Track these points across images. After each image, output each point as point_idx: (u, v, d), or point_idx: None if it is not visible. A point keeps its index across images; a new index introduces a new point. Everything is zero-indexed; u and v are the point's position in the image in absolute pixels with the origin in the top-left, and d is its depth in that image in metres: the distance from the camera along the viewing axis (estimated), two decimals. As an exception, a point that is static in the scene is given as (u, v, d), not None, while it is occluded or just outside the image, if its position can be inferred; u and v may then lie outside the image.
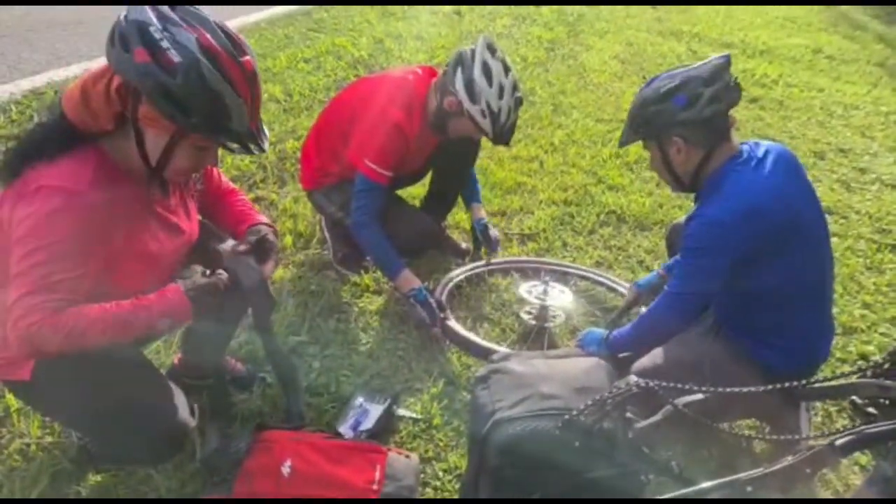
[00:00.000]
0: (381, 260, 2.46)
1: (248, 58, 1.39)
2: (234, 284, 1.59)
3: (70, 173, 1.36)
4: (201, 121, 1.35)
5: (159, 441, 1.59)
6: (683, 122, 1.77)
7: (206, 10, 1.40)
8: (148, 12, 1.31)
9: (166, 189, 1.58)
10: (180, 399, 1.69)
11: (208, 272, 1.61)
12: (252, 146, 1.44)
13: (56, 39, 4.61)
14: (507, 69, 2.29)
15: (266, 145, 1.46)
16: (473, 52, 2.28)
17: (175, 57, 1.30)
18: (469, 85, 2.26)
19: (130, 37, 1.30)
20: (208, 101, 1.33)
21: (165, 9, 1.33)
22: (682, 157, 1.82)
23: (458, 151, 2.63)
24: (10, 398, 1.88)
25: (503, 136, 2.35)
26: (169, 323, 1.50)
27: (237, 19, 5.65)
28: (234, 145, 1.42)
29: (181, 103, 1.32)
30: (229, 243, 1.68)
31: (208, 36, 1.33)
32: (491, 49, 2.30)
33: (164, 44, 1.29)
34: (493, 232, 2.80)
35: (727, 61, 1.80)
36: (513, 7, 7.32)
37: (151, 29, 1.29)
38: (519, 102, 2.33)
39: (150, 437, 1.56)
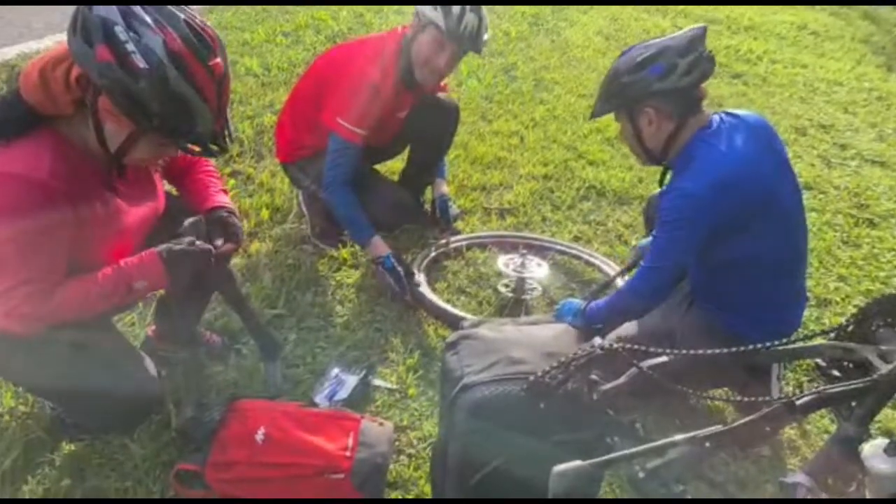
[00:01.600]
0: (351, 224, 2.45)
1: (217, 60, 1.35)
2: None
3: (28, 159, 1.35)
4: (163, 123, 1.33)
5: (127, 407, 1.60)
6: (657, 92, 1.76)
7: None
8: (114, 8, 1.26)
9: (124, 170, 1.55)
10: (148, 365, 1.70)
11: (189, 240, 1.59)
12: (214, 147, 1.42)
13: (29, 12, 4.52)
14: None
15: (229, 144, 1.45)
16: None
17: (140, 62, 1.26)
18: None
19: (94, 31, 1.26)
20: (171, 106, 1.31)
21: (136, 8, 1.28)
22: (653, 128, 1.81)
23: (434, 121, 2.61)
24: (-18, 370, 1.87)
25: (461, 31, 2.26)
26: (145, 285, 1.54)
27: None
28: (196, 147, 1.40)
29: (143, 106, 1.30)
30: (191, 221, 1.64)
31: (176, 38, 1.29)
32: None
33: (130, 46, 1.26)
34: (453, 210, 2.79)
35: (703, 32, 1.79)
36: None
37: (117, 29, 1.25)
38: (476, 5, 2.27)
39: (118, 403, 1.56)
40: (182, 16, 1.32)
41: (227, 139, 1.44)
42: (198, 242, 1.54)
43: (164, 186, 1.79)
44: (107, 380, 1.54)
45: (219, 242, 1.63)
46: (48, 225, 1.37)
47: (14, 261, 1.38)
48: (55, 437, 1.76)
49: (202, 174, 1.83)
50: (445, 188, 2.82)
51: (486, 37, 2.35)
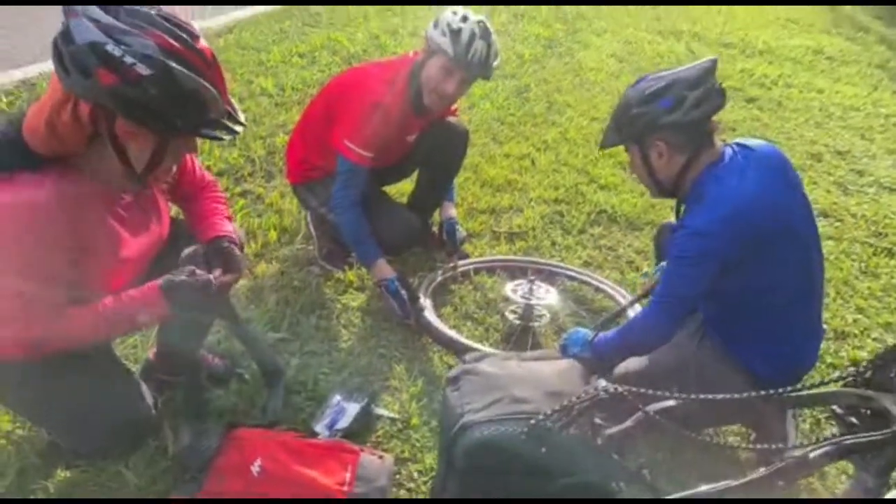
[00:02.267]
0: (357, 245, 2.43)
1: (203, 44, 1.34)
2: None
3: (30, 187, 1.32)
4: (185, 122, 1.33)
5: (121, 433, 1.57)
6: (667, 125, 1.73)
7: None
8: (93, 29, 1.23)
9: (146, 187, 1.55)
10: (143, 392, 1.67)
11: (190, 270, 1.55)
12: (232, 125, 1.40)
13: (51, 30, 4.56)
14: (477, 18, 2.29)
15: (242, 117, 1.43)
16: None
17: (143, 70, 1.24)
18: (435, 20, 2.28)
19: (87, 60, 1.22)
20: (186, 101, 1.30)
21: (110, 20, 1.24)
22: (664, 161, 1.78)
23: (444, 145, 2.59)
24: (-19, 392, 1.85)
25: (469, 58, 2.25)
26: (147, 317, 1.52)
27: (236, 11, 5.60)
28: (221, 133, 1.39)
29: (162, 112, 1.29)
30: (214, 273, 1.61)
31: (164, 36, 1.27)
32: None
33: (127, 59, 1.23)
34: (461, 233, 2.77)
35: (713, 65, 1.76)
36: (511, 5, 7.27)
37: (108, 48, 1.22)
38: (486, 31, 2.27)
39: (112, 429, 1.53)
40: (153, 12, 1.30)
41: (238, 113, 1.43)
42: (198, 272, 1.51)
43: (171, 211, 1.78)
44: (101, 406, 1.51)
45: (217, 273, 1.59)
46: (49, 248, 1.36)
47: (15, 284, 1.36)
48: (50, 463, 1.72)
49: (209, 199, 1.82)
50: (453, 211, 2.80)
51: (495, 63, 2.33)
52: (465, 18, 2.25)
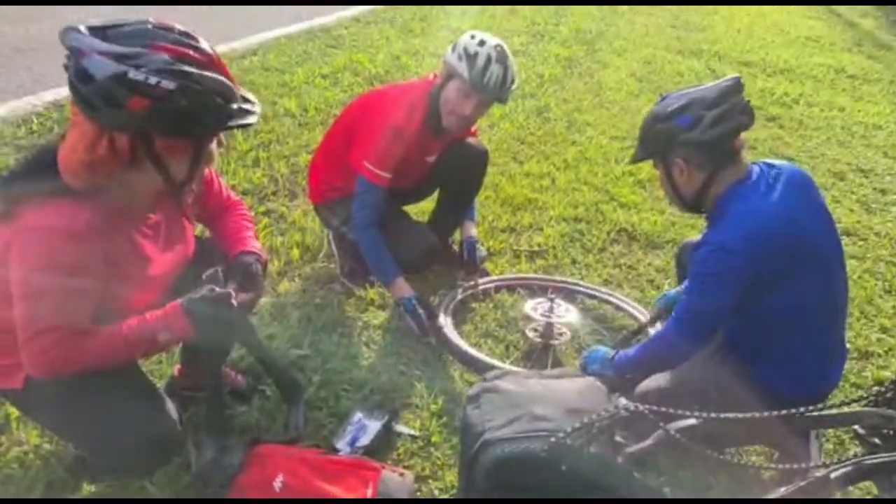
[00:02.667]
0: (376, 264, 2.46)
1: (200, 41, 1.39)
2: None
3: (66, 212, 1.37)
4: (216, 120, 1.38)
5: (147, 450, 1.59)
6: (685, 142, 1.75)
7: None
8: (108, 62, 1.26)
9: (153, 209, 1.59)
10: (168, 407, 1.70)
11: (210, 287, 1.58)
12: (250, 108, 1.44)
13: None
14: (492, 38, 2.33)
15: (252, 97, 1.47)
16: None
17: (169, 84, 1.28)
18: (454, 44, 2.32)
19: (115, 92, 1.26)
20: (211, 100, 1.35)
21: (115, 48, 1.28)
22: (685, 178, 1.80)
23: (464, 165, 2.63)
24: (9, 406, 1.89)
25: (484, 82, 2.28)
26: (169, 336, 1.54)
27: (260, 34, 5.71)
28: (245, 119, 1.43)
29: (195, 118, 1.34)
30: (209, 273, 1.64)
31: (169, 45, 1.33)
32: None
33: (151, 79, 1.27)
34: (481, 252, 2.79)
35: (736, 84, 1.77)
36: (531, 25, 7.34)
37: (130, 74, 1.26)
38: (502, 55, 2.30)
39: (138, 445, 1.55)
40: (149, 26, 1.34)
41: (249, 96, 1.46)
42: (217, 289, 1.54)
43: (195, 230, 1.82)
44: (126, 423, 1.53)
45: (232, 289, 1.62)
46: (81, 275, 1.40)
47: (45, 309, 1.41)
48: (76, 478, 1.75)
49: (236, 217, 1.86)
50: (474, 230, 2.82)
51: (513, 87, 2.37)
52: (482, 42, 2.29)
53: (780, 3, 9.68)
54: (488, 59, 2.27)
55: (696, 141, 1.73)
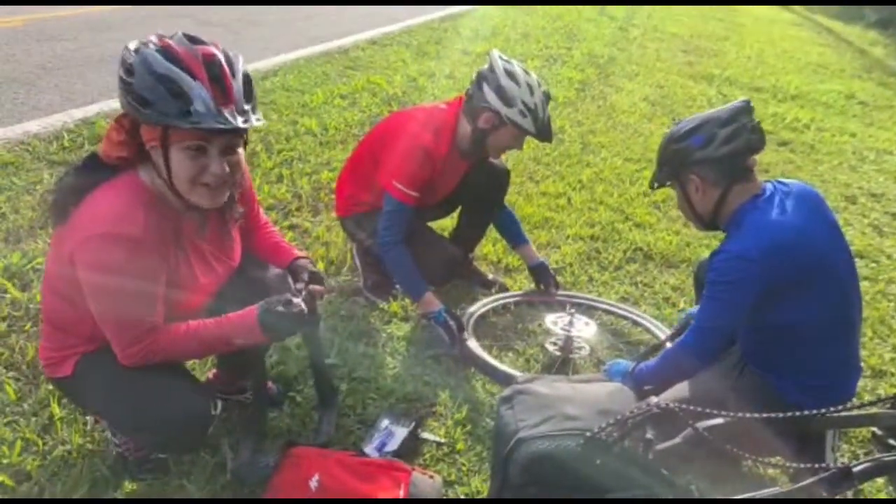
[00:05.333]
0: (404, 280, 2.54)
1: (205, 47, 1.46)
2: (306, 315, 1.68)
3: (123, 216, 1.47)
4: (161, 108, 1.39)
5: (183, 426, 1.64)
6: (699, 160, 1.84)
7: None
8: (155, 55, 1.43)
9: (204, 218, 1.66)
10: (202, 388, 1.81)
11: (286, 299, 1.66)
12: (230, 122, 1.41)
13: (107, 73, 4.85)
14: (527, 71, 2.43)
15: (240, 121, 1.43)
16: (491, 66, 2.41)
17: (130, 58, 1.42)
18: (500, 92, 2.37)
19: (119, 72, 1.44)
20: (160, 86, 1.39)
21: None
22: (700, 195, 1.88)
23: (486, 183, 2.71)
24: (55, 406, 1.97)
25: (545, 131, 2.44)
26: (243, 340, 1.65)
27: (280, 56, 5.87)
28: (209, 124, 1.40)
29: (140, 96, 1.39)
30: (299, 287, 1.77)
31: (167, 40, 1.44)
32: (503, 58, 2.43)
33: (128, 59, 1.42)
34: (553, 271, 2.89)
35: (746, 105, 1.86)
36: (544, 49, 7.49)
37: (123, 54, 1.43)
38: (548, 97, 2.45)
39: (174, 422, 1.61)
40: (183, 34, 1.47)
41: (237, 117, 1.43)
42: (294, 300, 1.63)
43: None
44: (164, 400, 1.59)
45: (301, 286, 1.75)
46: (145, 274, 1.51)
47: (120, 313, 1.53)
48: (118, 476, 1.82)
49: (272, 234, 1.98)
50: (534, 252, 2.92)
51: None
52: (531, 90, 2.37)
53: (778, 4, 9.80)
54: (544, 107, 2.41)
55: (709, 158, 1.82)
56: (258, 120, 1.49)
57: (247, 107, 1.46)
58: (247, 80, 1.49)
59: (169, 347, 1.58)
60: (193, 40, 1.47)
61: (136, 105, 1.40)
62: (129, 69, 1.41)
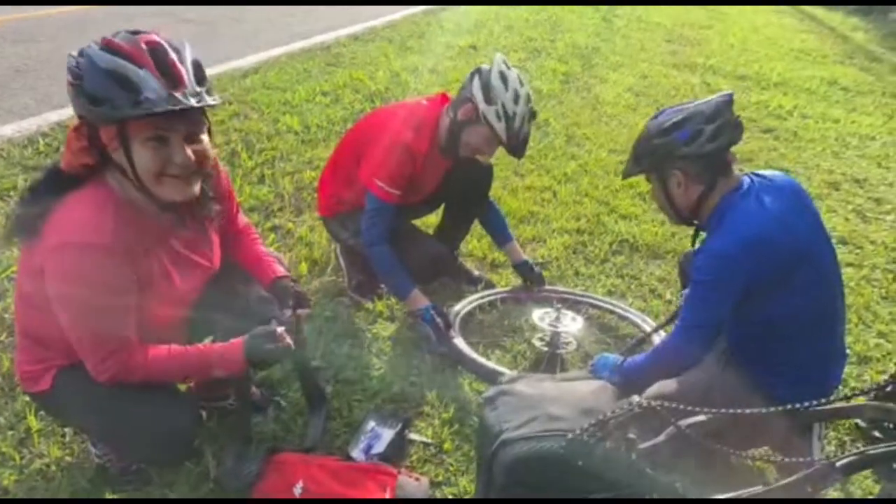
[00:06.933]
0: (390, 278, 2.51)
1: (147, 35, 1.43)
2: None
3: (90, 226, 1.44)
4: (113, 103, 1.36)
5: (163, 440, 1.63)
6: (684, 156, 1.81)
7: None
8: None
9: (181, 219, 1.63)
10: (185, 401, 1.78)
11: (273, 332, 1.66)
12: (181, 102, 1.39)
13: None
14: (521, 82, 2.38)
15: (193, 101, 1.41)
16: (491, 65, 2.38)
17: (75, 61, 1.40)
18: (486, 88, 2.34)
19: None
20: (108, 81, 1.37)
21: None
22: (682, 190, 1.86)
23: (470, 179, 2.69)
24: (32, 419, 1.94)
25: (517, 144, 2.39)
26: (223, 372, 1.64)
27: (261, 53, 5.81)
28: (161, 108, 1.37)
29: (90, 95, 1.37)
30: (286, 313, 1.77)
31: (111, 37, 1.42)
32: (506, 63, 2.40)
33: (72, 61, 1.40)
34: (537, 268, 2.86)
35: (730, 99, 1.85)
36: (528, 41, 7.46)
37: (69, 59, 1.40)
38: (533, 115, 2.41)
39: (154, 436, 1.60)
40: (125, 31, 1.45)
41: (196, 97, 1.41)
42: (279, 331, 1.62)
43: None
44: (143, 414, 1.58)
45: (288, 311, 1.74)
46: (116, 284, 1.48)
47: (92, 327, 1.50)
48: (98, 488, 1.79)
49: (252, 242, 1.94)
50: (520, 250, 2.88)
51: None
52: (517, 98, 2.34)
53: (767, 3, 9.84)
54: (523, 121, 2.36)
55: (695, 154, 1.80)
56: (214, 99, 1.45)
57: (199, 89, 1.43)
58: (197, 64, 1.47)
59: (145, 367, 1.55)
60: (136, 33, 1.44)
61: (89, 106, 1.38)
62: (76, 73, 1.39)
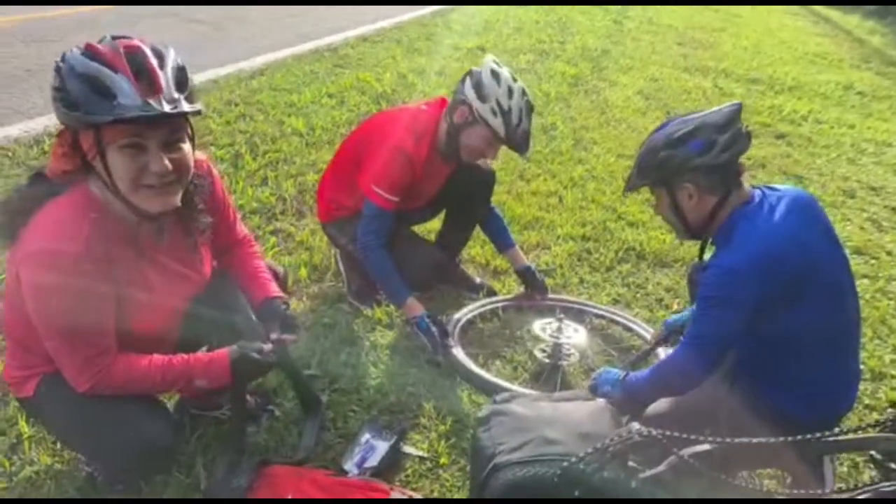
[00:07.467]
0: (386, 285, 2.47)
1: (127, 41, 1.40)
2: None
3: (64, 232, 1.40)
4: (88, 108, 1.33)
5: (141, 451, 1.59)
6: (698, 167, 1.74)
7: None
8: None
9: (161, 229, 1.60)
10: (163, 413, 1.74)
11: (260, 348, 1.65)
12: (147, 111, 1.33)
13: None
14: (514, 77, 2.34)
15: (168, 108, 1.35)
16: (482, 67, 2.35)
17: (58, 66, 1.37)
18: (478, 86, 2.30)
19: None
20: (84, 85, 1.33)
21: None
22: (694, 203, 1.79)
23: (471, 184, 2.63)
24: (23, 425, 1.91)
25: (517, 138, 2.34)
26: (206, 383, 1.61)
27: (268, 54, 5.78)
28: (136, 113, 1.32)
29: (67, 100, 1.34)
30: (273, 336, 1.74)
31: (91, 43, 1.39)
32: (497, 62, 2.36)
33: (57, 67, 1.37)
34: (541, 275, 2.79)
35: (739, 108, 1.78)
36: (537, 43, 7.39)
37: (54, 66, 1.38)
38: (530, 108, 2.35)
39: (131, 447, 1.57)
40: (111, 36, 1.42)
41: (172, 104, 1.37)
42: (266, 348, 1.61)
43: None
44: (122, 425, 1.55)
45: (274, 336, 1.71)
46: (92, 292, 1.43)
47: (68, 336, 1.46)
48: (87, 496, 1.76)
49: (249, 256, 1.90)
50: (523, 256, 2.81)
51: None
52: (510, 93, 2.29)
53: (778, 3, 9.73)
54: (521, 114, 2.31)
55: (709, 165, 1.73)
56: (192, 106, 1.40)
57: (177, 95, 1.39)
58: (180, 70, 1.43)
59: (126, 377, 1.51)
60: (119, 38, 1.41)
61: (66, 110, 1.35)
62: (58, 77, 1.36)
